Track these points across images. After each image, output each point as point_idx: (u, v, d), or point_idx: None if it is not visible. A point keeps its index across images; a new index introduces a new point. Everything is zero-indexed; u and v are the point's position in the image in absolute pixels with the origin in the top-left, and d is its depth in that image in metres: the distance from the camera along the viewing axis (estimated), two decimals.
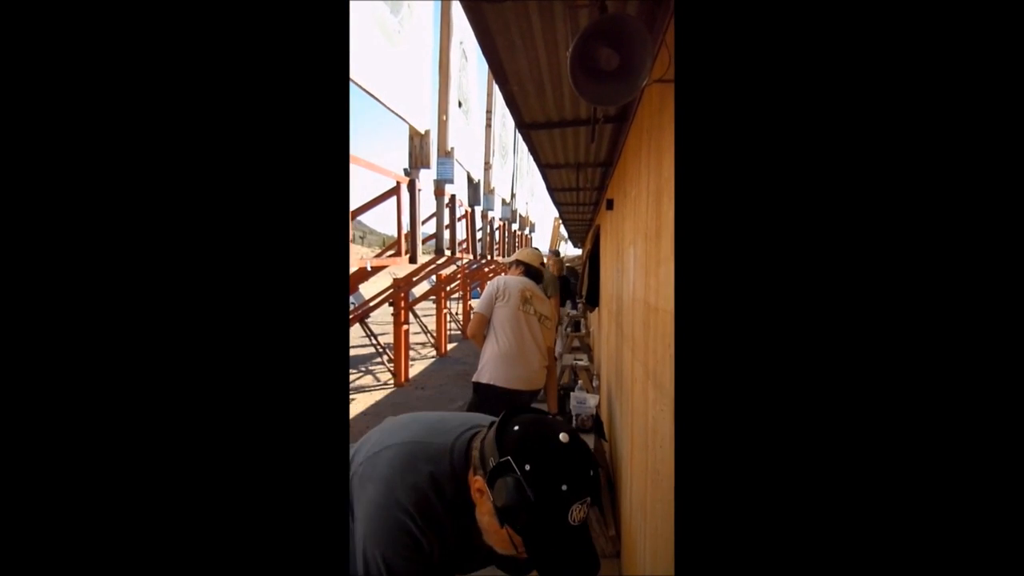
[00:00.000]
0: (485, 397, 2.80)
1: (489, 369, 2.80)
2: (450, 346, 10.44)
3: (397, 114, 3.70)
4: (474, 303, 2.99)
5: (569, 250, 14.64)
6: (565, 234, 13.46)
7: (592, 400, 3.44)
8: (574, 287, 7.39)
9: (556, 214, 8.90)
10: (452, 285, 10.72)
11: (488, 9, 1.52)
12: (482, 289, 3.21)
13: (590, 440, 3.18)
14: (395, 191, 4.13)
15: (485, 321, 2.87)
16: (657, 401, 1.58)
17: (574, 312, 7.65)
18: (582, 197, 5.26)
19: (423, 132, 4.18)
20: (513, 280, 2.93)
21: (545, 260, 3.43)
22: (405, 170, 4.24)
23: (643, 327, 1.96)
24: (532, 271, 3.08)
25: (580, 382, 4.67)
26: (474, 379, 2.88)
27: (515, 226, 10.21)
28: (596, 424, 3.43)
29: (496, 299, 2.85)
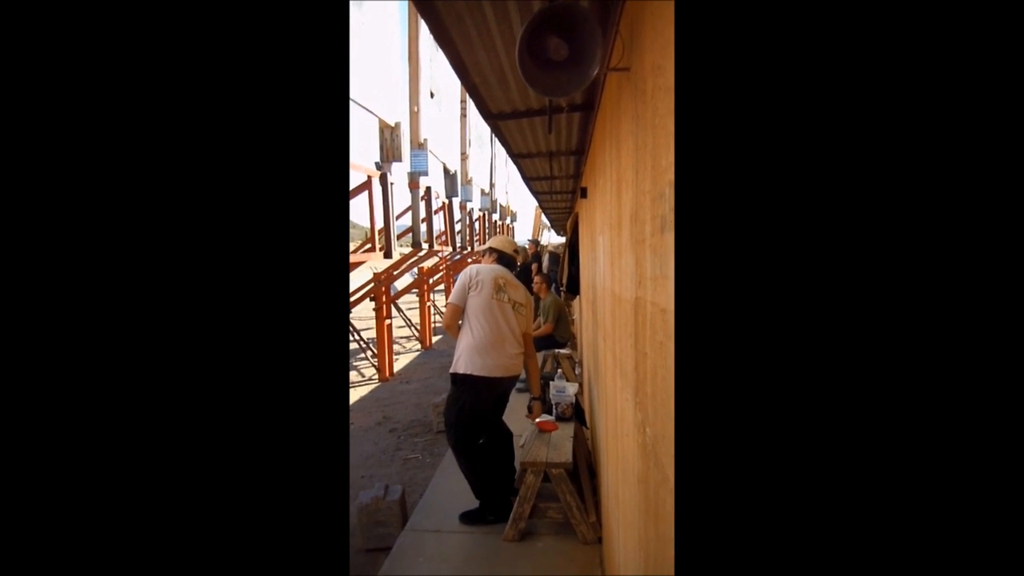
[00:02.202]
0: (463, 387, 2.80)
1: (464, 359, 2.79)
2: (435, 339, 10.42)
3: (365, 107, 3.65)
4: None
5: (553, 238, 14.64)
6: (547, 222, 13.45)
7: (571, 388, 3.46)
8: (554, 273, 7.40)
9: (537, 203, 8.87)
10: (435, 277, 10.68)
11: (439, 2, 1.49)
12: None
13: (570, 428, 3.20)
14: (366, 186, 4.08)
15: (459, 312, 2.85)
16: (623, 389, 1.59)
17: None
18: (557, 185, 5.25)
19: (393, 125, 4.12)
20: (486, 269, 2.90)
21: (518, 247, 3.41)
22: (376, 164, 4.18)
23: (611, 315, 1.97)
24: (506, 258, 3.04)
25: (560, 370, 4.69)
26: (451, 370, 2.87)
27: (496, 216, 10.17)
28: (577, 412, 3.46)
29: (469, 289, 2.82)
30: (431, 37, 5.61)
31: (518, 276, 3.17)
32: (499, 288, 2.84)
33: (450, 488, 3.26)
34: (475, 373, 2.76)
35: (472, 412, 2.80)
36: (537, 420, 3.14)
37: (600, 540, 2.64)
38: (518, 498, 2.74)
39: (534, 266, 6.99)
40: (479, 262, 3.13)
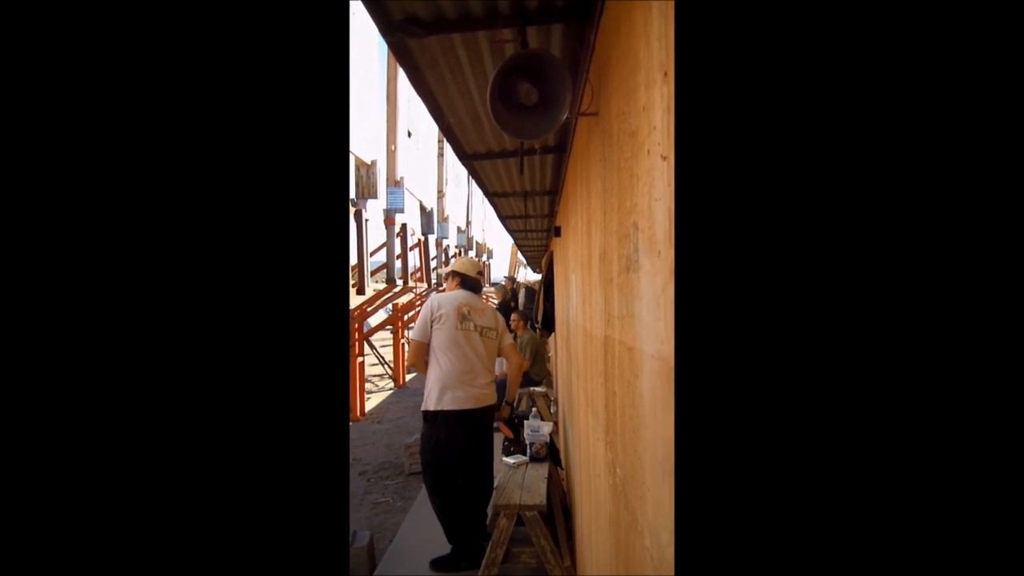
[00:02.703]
0: (436, 424, 2.70)
1: (435, 395, 2.70)
2: (408, 377, 10.24)
3: None
4: None
5: (529, 275, 14.74)
6: (523, 260, 13.57)
7: (546, 428, 3.41)
8: (530, 311, 7.41)
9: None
10: (410, 314, 10.59)
11: (413, 44, 1.53)
12: None
13: (544, 468, 3.15)
14: None
15: (423, 348, 2.75)
16: (595, 428, 1.57)
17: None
18: (532, 224, 5.32)
19: (369, 162, 4.16)
20: (447, 298, 2.79)
21: (482, 268, 3.35)
22: (352, 200, 4.20)
23: (583, 353, 1.97)
24: (469, 282, 2.92)
25: (535, 409, 4.64)
26: (423, 408, 2.77)
27: (471, 253, 10.23)
28: (552, 451, 3.40)
29: (432, 323, 2.72)
30: None
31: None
32: (463, 317, 2.75)
33: (421, 534, 3.15)
34: (446, 408, 2.67)
35: (449, 449, 2.69)
36: (500, 423, 3.12)
37: None
38: (490, 543, 2.65)
39: (512, 303, 6.99)
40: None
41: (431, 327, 2.72)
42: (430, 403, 2.71)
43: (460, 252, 9.49)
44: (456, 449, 2.72)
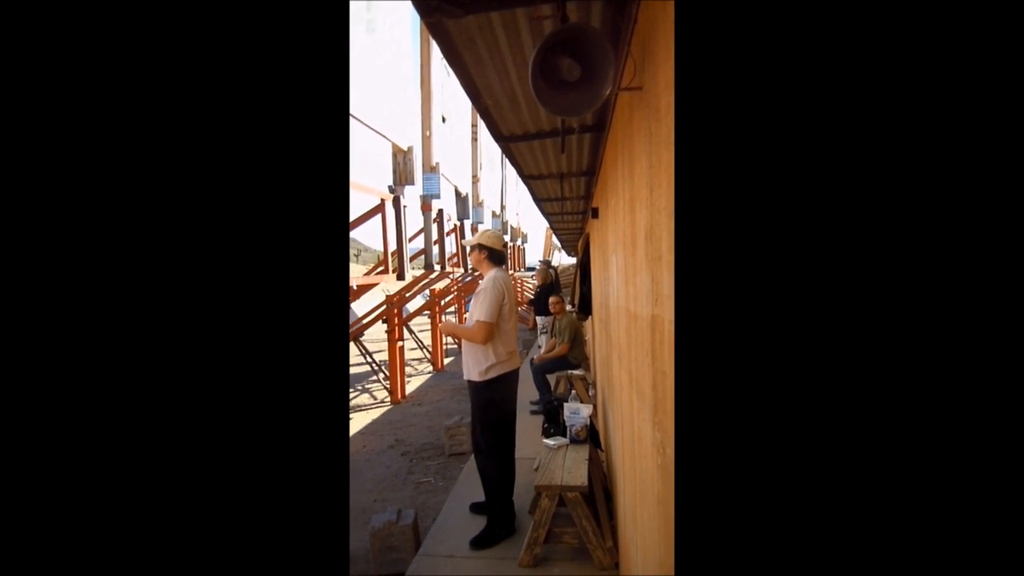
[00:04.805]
0: (500, 387, 2.89)
1: (497, 366, 2.88)
2: (447, 360, 10.38)
3: (378, 132, 3.71)
4: (471, 316, 2.98)
5: (564, 259, 14.66)
6: (558, 243, 13.48)
7: (585, 410, 3.41)
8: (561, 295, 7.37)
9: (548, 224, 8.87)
10: (447, 299, 10.70)
11: (451, 25, 1.52)
12: None
13: (585, 450, 3.15)
14: (379, 209, 4.12)
15: (493, 328, 2.88)
16: (640, 410, 1.56)
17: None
18: (568, 207, 5.27)
19: (406, 149, 4.18)
20: (505, 285, 2.91)
21: (505, 242, 3.46)
22: (389, 187, 4.24)
23: (626, 335, 1.95)
24: (496, 255, 2.99)
25: (574, 391, 4.64)
26: (482, 379, 2.88)
27: (506, 237, 10.22)
28: (592, 433, 3.40)
29: (502, 306, 2.87)
30: (443, 62, 5.73)
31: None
32: (516, 302, 2.98)
33: (463, 512, 3.21)
34: (504, 371, 2.89)
35: (505, 404, 2.93)
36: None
37: (617, 566, 2.57)
38: (533, 523, 2.69)
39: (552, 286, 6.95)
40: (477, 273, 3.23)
41: (502, 310, 2.89)
42: (490, 373, 2.88)
43: None
44: (510, 404, 2.99)
